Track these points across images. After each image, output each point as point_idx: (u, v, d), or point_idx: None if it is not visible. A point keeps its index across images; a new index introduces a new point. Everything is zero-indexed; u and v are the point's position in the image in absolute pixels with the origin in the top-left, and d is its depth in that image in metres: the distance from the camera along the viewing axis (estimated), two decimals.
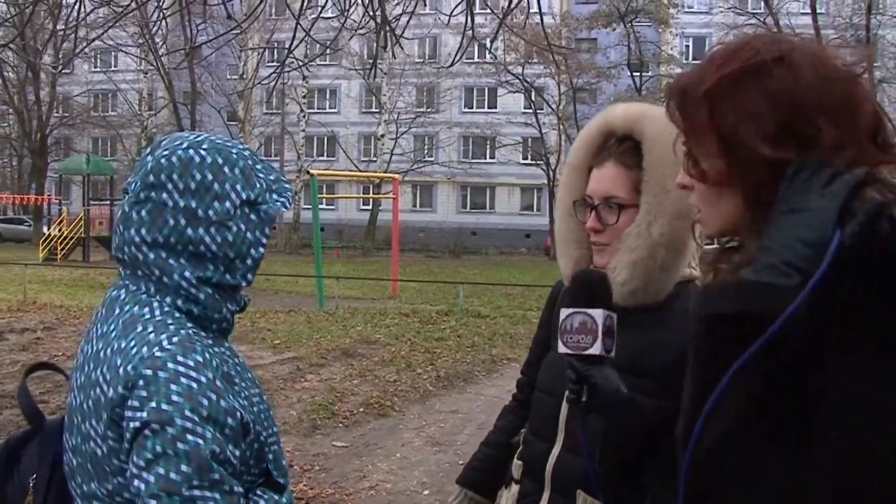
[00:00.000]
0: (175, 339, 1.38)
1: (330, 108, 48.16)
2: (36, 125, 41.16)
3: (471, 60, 44.05)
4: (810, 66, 1.11)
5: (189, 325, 1.44)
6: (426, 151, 46.26)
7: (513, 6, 5.34)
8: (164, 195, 1.44)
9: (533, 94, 40.53)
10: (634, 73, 38.05)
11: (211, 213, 1.45)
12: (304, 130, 43.06)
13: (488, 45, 40.85)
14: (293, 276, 21.55)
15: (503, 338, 12.77)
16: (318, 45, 5.62)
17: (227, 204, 1.46)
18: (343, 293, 17.56)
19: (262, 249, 1.50)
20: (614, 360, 1.55)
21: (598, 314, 1.49)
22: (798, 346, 0.99)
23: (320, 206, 21.75)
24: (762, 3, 31.12)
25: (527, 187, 46.58)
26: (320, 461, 6.56)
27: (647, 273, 1.78)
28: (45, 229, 33.57)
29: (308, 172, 22.78)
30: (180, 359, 1.35)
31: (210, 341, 1.46)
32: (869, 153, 1.09)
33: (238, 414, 1.39)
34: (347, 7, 5.74)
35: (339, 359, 10.54)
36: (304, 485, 5.97)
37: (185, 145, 1.48)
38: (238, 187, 1.47)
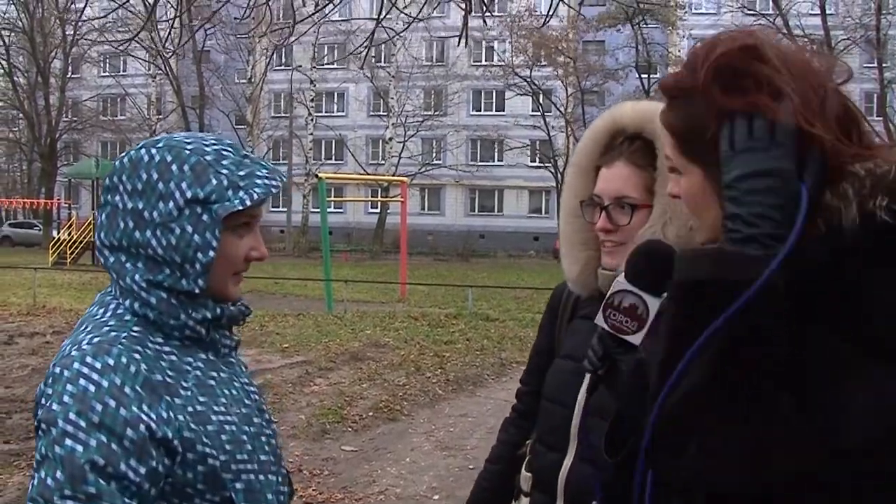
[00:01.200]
0: (95, 340, 1.33)
1: (338, 111, 48.19)
2: (46, 130, 41.34)
3: (479, 63, 44.10)
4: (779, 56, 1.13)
5: (137, 328, 1.38)
6: (434, 154, 46.25)
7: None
8: (117, 198, 1.40)
9: (541, 96, 40.51)
10: (642, 75, 37.96)
11: (155, 214, 1.37)
12: (312, 134, 43.15)
13: (495, 44, 41.08)
14: (302, 279, 21.56)
15: (512, 341, 12.72)
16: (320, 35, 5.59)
17: (171, 204, 1.37)
18: (351, 296, 17.54)
19: (211, 253, 1.39)
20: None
21: (653, 302, 1.36)
22: (772, 311, 1.03)
23: (329, 210, 21.76)
24: (771, 4, 31.02)
25: (535, 190, 46.51)
26: (329, 466, 6.53)
27: None
28: (54, 233, 33.64)
29: (316, 176, 22.76)
30: (88, 360, 1.29)
31: (169, 349, 1.40)
32: (841, 146, 1.10)
33: (145, 427, 1.28)
34: None
35: (347, 362, 10.51)
36: (314, 490, 5.94)
37: (140, 145, 1.43)
38: (184, 185, 1.37)
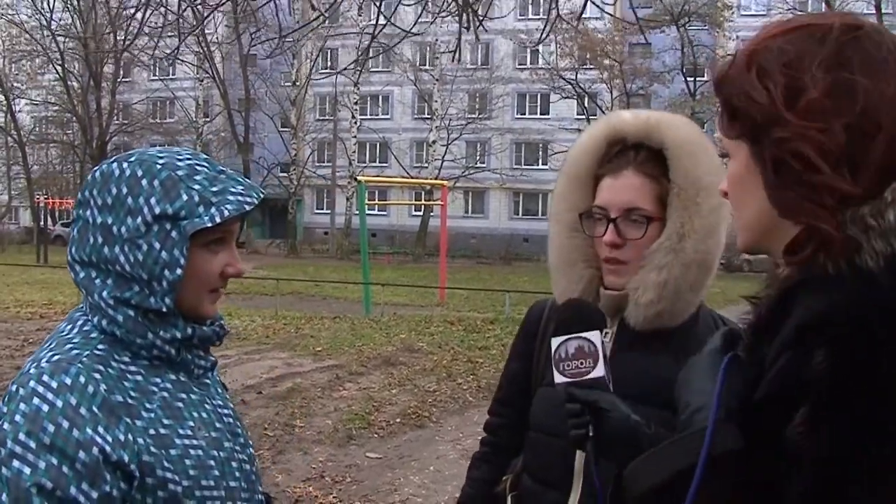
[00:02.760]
0: (55, 358, 1.29)
1: (382, 114, 48.36)
2: (97, 132, 42.19)
3: (523, 66, 43.91)
4: None
5: (101, 347, 1.33)
6: (478, 158, 46.15)
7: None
8: (88, 212, 1.37)
9: (586, 99, 40.18)
10: (688, 78, 37.42)
11: (123, 229, 1.34)
12: (356, 137, 43.33)
13: (540, 47, 40.82)
14: (341, 282, 21.60)
15: None
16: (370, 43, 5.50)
17: (139, 219, 1.33)
18: (390, 299, 17.53)
19: (178, 271, 1.34)
20: (641, 391, 1.45)
21: (594, 336, 1.39)
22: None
23: (372, 212, 21.81)
24: (823, 4, 30.37)
25: None
26: (352, 473, 6.47)
27: (677, 293, 1.62)
28: None
29: (356, 179, 22.85)
30: (45, 378, 1.25)
31: (136, 368, 1.35)
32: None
33: (97, 449, 1.22)
34: None
35: (379, 367, 10.46)
36: (334, 497, 5.89)
37: (113, 159, 1.39)
38: (152, 201, 1.33)
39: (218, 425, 1.45)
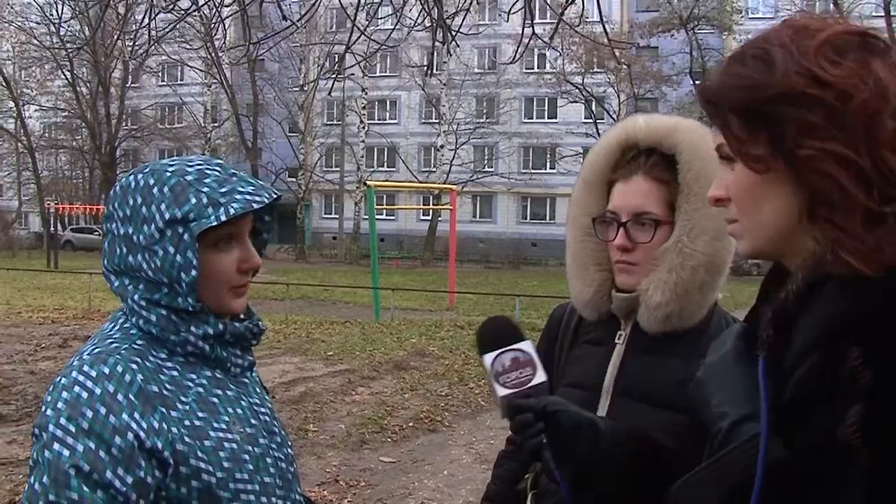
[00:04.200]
0: (95, 351, 1.36)
1: (390, 118, 48.44)
2: (106, 138, 42.41)
3: (531, 70, 43.93)
4: None
5: (140, 342, 1.40)
6: (486, 162, 46.18)
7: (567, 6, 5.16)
8: (113, 225, 1.44)
9: (593, 103, 40.17)
10: (697, 81, 37.38)
11: (141, 238, 1.40)
12: (363, 141, 43.44)
13: (547, 52, 40.84)
14: (351, 287, 21.62)
15: None
16: (371, 47, 5.54)
17: (152, 227, 1.39)
18: (400, 304, 17.54)
19: (193, 272, 1.38)
20: (652, 394, 1.46)
21: (526, 345, 1.41)
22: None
23: (381, 217, 21.82)
24: (832, 5, 30.30)
25: None
26: (366, 477, 6.47)
27: (686, 295, 1.65)
28: None
29: (365, 184, 22.87)
30: (85, 368, 1.31)
31: (172, 364, 1.40)
32: None
33: (133, 435, 1.27)
34: (403, 4, 5.66)
35: (391, 371, 10.47)
36: (349, 501, 5.89)
37: (130, 172, 1.47)
38: (162, 207, 1.39)
39: (253, 422, 1.47)
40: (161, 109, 47.70)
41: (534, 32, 4.81)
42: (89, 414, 1.25)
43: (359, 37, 5.09)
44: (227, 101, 43.50)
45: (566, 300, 1.93)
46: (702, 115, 1.20)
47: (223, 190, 1.41)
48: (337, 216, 45.65)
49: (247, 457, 1.41)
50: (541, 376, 1.38)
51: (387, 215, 43.09)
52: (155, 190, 1.39)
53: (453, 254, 21.71)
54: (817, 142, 0.94)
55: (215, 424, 1.39)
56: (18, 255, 37.98)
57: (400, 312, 16.78)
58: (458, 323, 15.70)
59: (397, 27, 5.27)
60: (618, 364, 1.74)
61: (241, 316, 1.54)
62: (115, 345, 1.37)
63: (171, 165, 1.43)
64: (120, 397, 1.28)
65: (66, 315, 15.66)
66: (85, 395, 1.27)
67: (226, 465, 1.37)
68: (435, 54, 5.80)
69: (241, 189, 1.42)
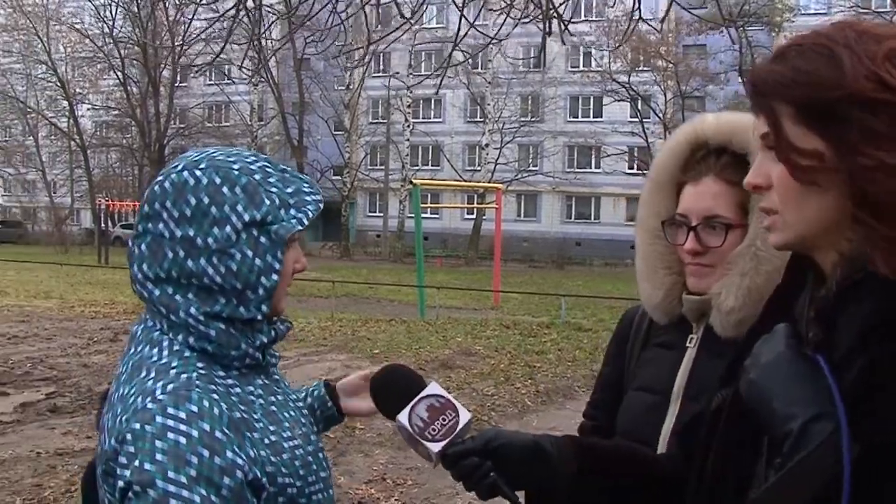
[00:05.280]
0: (170, 388, 1.23)
1: (435, 117, 48.53)
2: (155, 136, 43.14)
3: (576, 69, 43.68)
4: None
5: (200, 364, 1.29)
6: (531, 161, 46.03)
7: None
8: (161, 225, 1.31)
9: (639, 102, 39.80)
10: (745, 79, 36.81)
11: (210, 240, 1.29)
12: (408, 140, 43.59)
13: (593, 52, 40.57)
14: (395, 285, 21.69)
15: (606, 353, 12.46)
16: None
17: (228, 228, 1.29)
18: (444, 303, 17.55)
19: (275, 277, 1.32)
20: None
21: (433, 387, 1.33)
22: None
23: (425, 215, 21.85)
24: (889, 1, 29.59)
25: (632, 198, 45.60)
26: (413, 475, 6.46)
27: (762, 300, 1.58)
28: None
29: (411, 182, 22.92)
30: (171, 411, 1.20)
31: (232, 381, 1.32)
32: None
33: (240, 472, 1.21)
34: None
35: (437, 370, 10.46)
36: (396, 499, 5.90)
37: (180, 167, 1.33)
38: (239, 208, 1.30)
39: (303, 421, 1.45)
40: (208, 108, 48.40)
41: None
42: (194, 460, 1.17)
43: (468, 30, 5.02)
44: (273, 99, 43.98)
45: (611, 300, 1.90)
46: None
47: (289, 190, 1.36)
48: (381, 214, 45.86)
49: (311, 458, 1.39)
50: (465, 414, 1.30)
51: (431, 213, 43.17)
52: (225, 189, 1.30)
53: (498, 252, 21.66)
54: (882, 153, 0.94)
55: (284, 434, 1.35)
56: (71, 250, 38.81)
57: (445, 311, 16.79)
58: (503, 322, 15.66)
59: (505, 21, 5.18)
60: (689, 368, 1.69)
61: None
62: (183, 374, 1.26)
63: (233, 161, 1.34)
64: (218, 434, 1.20)
65: (117, 310, 15.97)
66: (183, 440, 1.18)
67: (301, 472, 1.34)
68: (544, 46, 5.63)
69: (304, 189, 1.38)
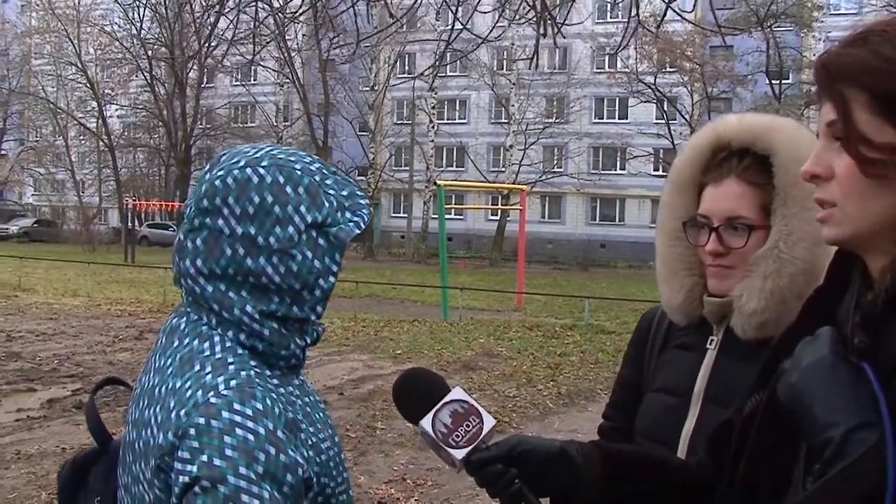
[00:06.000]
0: (233, 383, 1.22)
1: (459, 118, 48.55)
2: (181, 136, 43.56)
3: (601, 70, 43.50)
4: None
5: (252, 363, 1.28)
6: (555, 162, 45.90)
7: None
8: (220, 221, 1.29)
9: (665, 104, 39.56)
10: (773, 81, 36.45)
11: (272, 240, 1.28)
12: (433, 141, 43.64)
13: (618, 51, 40.40)
14: (419, 285, 21.71)
15: None
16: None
17: (291, 229, 1.28)
18: (467, 304, 17.55)
19: (332, 279, 1.32)
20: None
21: (458, 392, 1.29)
22: None
23: (449, 216, 21.86)
24: None
25: (658, 200, 44.50)
26: (433, 476, 6.46)
27: (783, 303, 1.57)
28: None
29: (435, 183, 22.96)
30: (237, 407, 1.19)
31: (276, 381, 1.31)
32: None
33: (300, 469, 1.21)
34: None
35: (459, 371, 10.46)
36: (416, 500, 5.90)
37: (242, 163, 1.31)
38: (302, 209, 1.29)
39: (329, 422, 1.45)
40: (234, 109, 48.77)
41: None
42: (262, 457, 1.16)
43: (459, 32, 5.04)
44: (298, 100, 44.22)
45: (635, 303, 1.88)
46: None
47: (345, 193, 1.37)
48: (405, 215, 45.93)
49: (339, 458, 1.39)
50: (489, 420, 1.28)
51: (455, 215, 43.18)
52: (288, 189, 1.29)
53: (522, 254, 21.62)
54: None
55: (321, 435, 1.35)
56: (98, 249, 39.23)
57: (468, 312, 16.78)
58: (526, 324, 15.64)
59: (498, 20, 5.20)
60: (709, 369, 1.68)
61: None
62: (243, 371, 1.25)
63: (294, 161, 1.33)
64: (280, 434, 1.20)
65: (143, 308, 16.14)
66: (251, 437, 1.17)
67: (334, 473, 1.34)
68: (538, 46, 5.65)
69: (357, 192, 1.39)
